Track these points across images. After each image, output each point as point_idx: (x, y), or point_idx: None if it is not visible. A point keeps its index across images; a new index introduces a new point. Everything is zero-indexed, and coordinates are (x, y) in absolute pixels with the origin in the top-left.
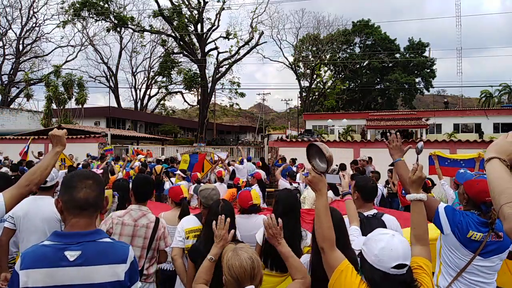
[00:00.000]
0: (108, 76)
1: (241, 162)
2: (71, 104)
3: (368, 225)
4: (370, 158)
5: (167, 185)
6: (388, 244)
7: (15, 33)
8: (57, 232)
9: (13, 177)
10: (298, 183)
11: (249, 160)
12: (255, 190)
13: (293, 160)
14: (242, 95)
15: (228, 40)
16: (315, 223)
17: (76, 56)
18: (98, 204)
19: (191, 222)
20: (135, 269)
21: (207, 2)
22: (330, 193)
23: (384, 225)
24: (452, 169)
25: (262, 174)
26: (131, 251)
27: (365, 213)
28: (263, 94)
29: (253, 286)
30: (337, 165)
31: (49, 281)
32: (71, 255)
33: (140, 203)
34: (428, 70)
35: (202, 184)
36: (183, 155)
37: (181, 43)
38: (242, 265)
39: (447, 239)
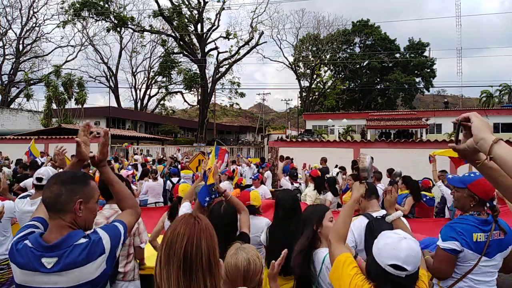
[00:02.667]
0: (108, 76)
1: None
2: (71, 104)
3: (378, 227)
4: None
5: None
6: (393, 243)
7: (15, 33)
8: (38, 239)
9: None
10: (300, 183)
11: None
12: (256, 191)
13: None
14: (242, 95)
15: (228, 40)
16: (337, 218)
17: (76, 56)
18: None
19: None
20: (114, 246)
21: (207, 2)
22: (329, 195)
23: (393, 227)
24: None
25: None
26: (105, 237)
27: (374, 214)
28: (263, 94)
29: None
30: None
31: (30, 281)
32: (48, 262)
33: (110, 202)
34: (428, 70)
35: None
36: (216, 143)
37: (181, 43)
38: (237, 265)
39: (464, 257)
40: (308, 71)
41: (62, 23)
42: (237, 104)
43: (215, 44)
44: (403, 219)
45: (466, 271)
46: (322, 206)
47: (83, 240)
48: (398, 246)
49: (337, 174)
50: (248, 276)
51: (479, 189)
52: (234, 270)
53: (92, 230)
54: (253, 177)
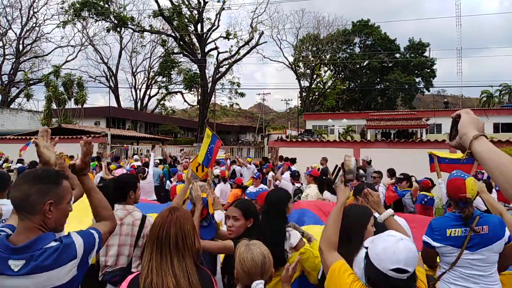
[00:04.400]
0: (108, 76)
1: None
2: (71, 104)
3: (379, 225)
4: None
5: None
6: (392, 246)
7: (15, 33)
8: (4, 241)
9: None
10: (301, 183)
11: None
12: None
13: (293, 161)
14: (242, 95)
15: (228, 40)
16: (326, 224)
17: (76, 56)
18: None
19: None
20: (87, 252)
21: (207, 2)
22: (327, 194)
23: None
24: (453, 166)
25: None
26: (77, 241)
27: (375, 214)
28: (263, 94)
29: (263, 280)
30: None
31: None
32: (15, 264)
33: (122, 203)
34: (428, 70)
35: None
36: (207, 128)
37: (181, 43)
38: (254, 259)
39: (440, 250)
40: (308, 71)
41: (62, 23)
42: (237, 104)
43: (215, 44)
44: (396, 216)
45: (451, 262)
46: (367, 209)
47: (54, 243)
48: (397, 249)
49: (339, 169)
50: (264, 269)
51: (449, 187)
52: (252, 265)
53: (65, 234)
54: (255, 176)
